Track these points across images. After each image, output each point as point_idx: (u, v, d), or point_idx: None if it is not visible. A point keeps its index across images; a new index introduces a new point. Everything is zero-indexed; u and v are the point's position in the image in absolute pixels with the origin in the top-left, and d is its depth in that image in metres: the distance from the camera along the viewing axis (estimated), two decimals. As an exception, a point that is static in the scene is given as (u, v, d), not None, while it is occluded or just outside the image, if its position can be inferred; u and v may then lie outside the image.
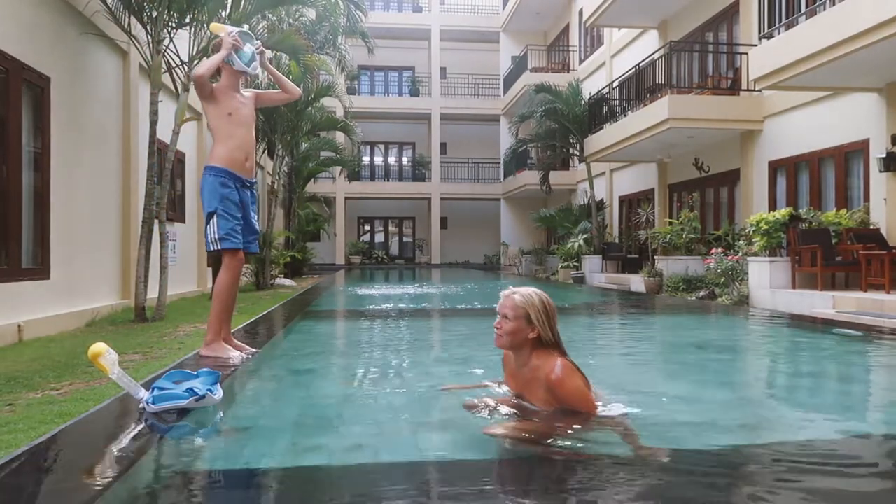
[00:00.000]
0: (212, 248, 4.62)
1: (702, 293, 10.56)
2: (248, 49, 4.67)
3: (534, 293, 2.87)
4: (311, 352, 5.44)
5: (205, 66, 4.65)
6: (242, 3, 8.47)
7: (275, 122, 14.39)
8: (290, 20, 14.31)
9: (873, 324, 6.61)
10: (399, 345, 6.26)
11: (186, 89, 8.21)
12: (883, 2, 6.95)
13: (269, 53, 10.25)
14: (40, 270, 6.65)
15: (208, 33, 8.38)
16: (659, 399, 3.78)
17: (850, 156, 9.93)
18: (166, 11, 7.78)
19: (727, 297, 9.79)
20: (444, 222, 29.65)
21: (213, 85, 4.72)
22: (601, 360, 5.47)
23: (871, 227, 8.92)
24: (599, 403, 2.90)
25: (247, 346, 4.67)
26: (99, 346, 2.91)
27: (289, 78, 12.16)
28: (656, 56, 13.04)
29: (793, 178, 11.17)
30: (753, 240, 9.45)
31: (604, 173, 18.81)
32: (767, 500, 2.21)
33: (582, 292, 13.34)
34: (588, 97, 17.03)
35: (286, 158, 16.68)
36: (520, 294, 2.85)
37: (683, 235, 12.40)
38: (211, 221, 4.55)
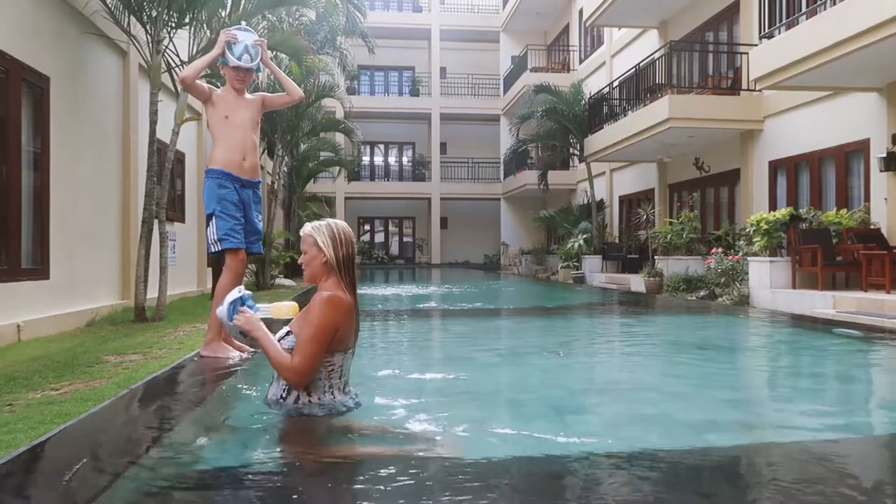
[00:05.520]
0: (212, 250, 4.63)
1: (702, 293, 10.56)
2: (240, 42, 4.63)
3: (325, 223, 3.04)
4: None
5: (191, 68, 4.66)
6: (242, 2, 8.46)
7: (275, 122, 14.38)
8: (290, 20, 14.29)
9: (873, 324, 6.60)
10: (398, 344, 6.26)
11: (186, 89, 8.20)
12: (883, 2, 6.95)
13: (268, 53, 10.21)
14: (40, 270, 6.64)
15: (208, 34, 8.37)
16: (659, 398, 3.78)
17: (850, 155, 9.92)
18: (166, 11, 7.78)
19: (727, 297, 9.79)
20: (444, 222, 29.65)
21: (217, 91, 4.72)
22: (602, 360, 5.47)
23: (872, 226, 8.91)
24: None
25: (246, 346, 4.66)
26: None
27: (289, 78, 12.04)
28: (656, 56, 13.04)
29: (793, 178, 11.16)
30: (754, 240, 9.44)
31: (604, 173, 18.80)
32: (767, 500, 2.21)
33: (582, 292, 13.34)
34: (588, 97, 17.03)
35: (286, 158, 16.66)
36: (310, 225, 3.04)
37: (683, 235, 12.39)
38: (210, 223, 4.56)
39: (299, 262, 3.05)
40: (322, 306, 2.87)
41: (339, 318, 2.90)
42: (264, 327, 3.03)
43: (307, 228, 3.03)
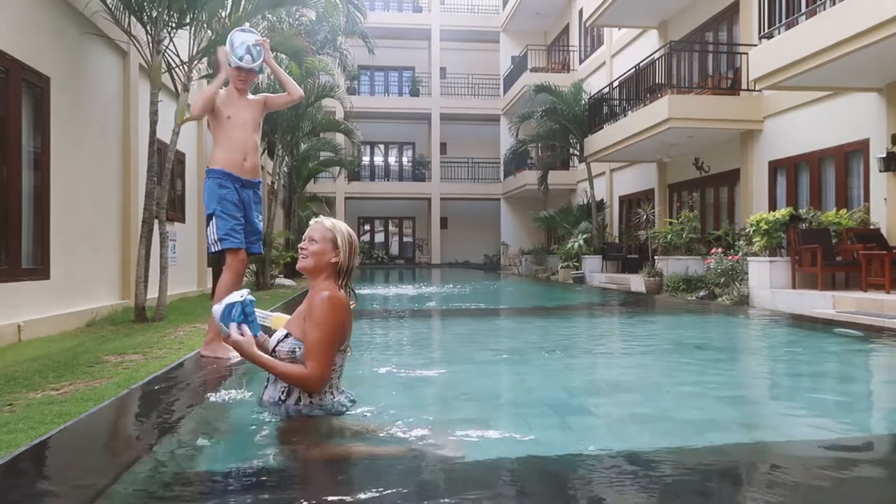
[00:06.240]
0: (213, 250, 4.63)
1: (702, 293, 10.56)
2: (242, 43, 4.62)
3: (343, 224, 3.09)
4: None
5: (197, 106, 4.58)
6: (242, 3, 8.46)
7: (275, 122, 14.38)
8: (290, 21, 14.29)
9: (873, 324, 6.61)
10: (398, 344, 6.27)
11: (186, 89, 8.21)
12: (883, 2, 6.95)
13: (270, 53, 10.19)
14: (40, 270, 6.65)
15: (209, 34, 8.37)
16: (659, 398, 3.78)
17: (850, 156, 9.92)
18: (166, 11, 7.78)
19: (727, 297, 9.79)
20: (444, 222, 29.65)
21: (220, 91, 4.71)
22: (602, 359, 5.47)
23: (872, 226, 8.92)
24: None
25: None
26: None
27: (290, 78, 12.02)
28: (656, 56, 13.04)
29: (793, 178, 11.16)
30: (753, 240, 9.44)
31: (604, 173, 18.80)
32: (767, 500, 2.21)
33: (582, 292, 13.34)
34: (588, 97, 17.03)
35: (286, 159, 16.67)
36: (330, 220, 3.08)
37: (683, 235, 12.40)
38: (210, 223, 4.57)
39: (301, 247, 3.02)
40: (326, 306, 2.88)
41: (344, 317, 2.94)
42: (257, 351, 2.94)
43: (328, 223, 3.03)
